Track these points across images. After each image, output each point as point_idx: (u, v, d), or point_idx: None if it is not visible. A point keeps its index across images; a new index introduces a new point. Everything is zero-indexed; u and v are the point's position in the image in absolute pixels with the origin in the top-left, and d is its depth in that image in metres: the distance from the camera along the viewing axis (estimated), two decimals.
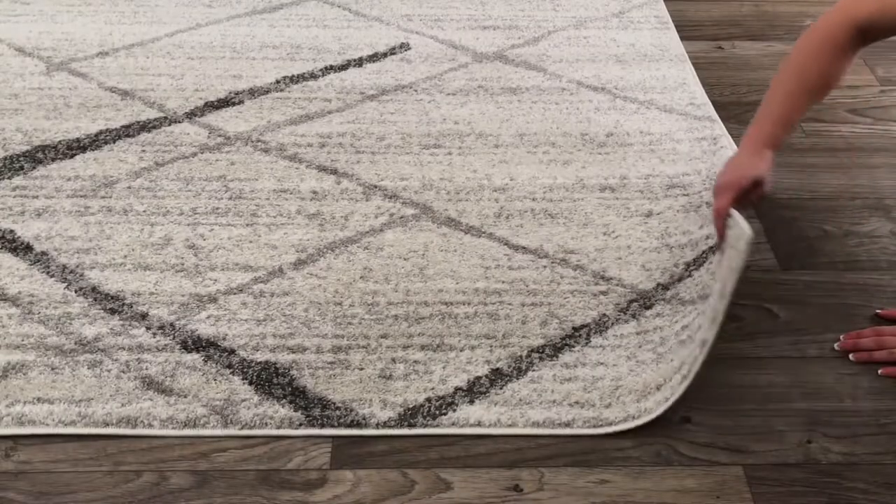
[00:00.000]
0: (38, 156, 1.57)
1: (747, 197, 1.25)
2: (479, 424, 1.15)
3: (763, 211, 1.49)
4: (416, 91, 1.78)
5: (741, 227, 1.13)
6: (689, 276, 1.34)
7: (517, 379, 1.20)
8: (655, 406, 1.15)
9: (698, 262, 1.37)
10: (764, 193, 1.27)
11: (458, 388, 1.19)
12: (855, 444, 1.13)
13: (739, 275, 1.09)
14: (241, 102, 1.73)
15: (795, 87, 1.27)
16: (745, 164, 1.26)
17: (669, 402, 1.14)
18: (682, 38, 1.97)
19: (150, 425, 1.14)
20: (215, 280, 1.34)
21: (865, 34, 1.24)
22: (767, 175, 1.26)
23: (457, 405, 1.17)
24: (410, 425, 1.14)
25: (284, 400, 1.17)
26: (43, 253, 1.38)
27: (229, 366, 1.21)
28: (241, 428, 1.14)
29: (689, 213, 1.47)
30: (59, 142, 1.61)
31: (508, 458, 1.11)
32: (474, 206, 1.49)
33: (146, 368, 1.21)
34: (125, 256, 1.38)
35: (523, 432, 1.14)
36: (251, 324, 1.27)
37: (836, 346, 1.26)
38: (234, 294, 1.32)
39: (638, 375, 1.20)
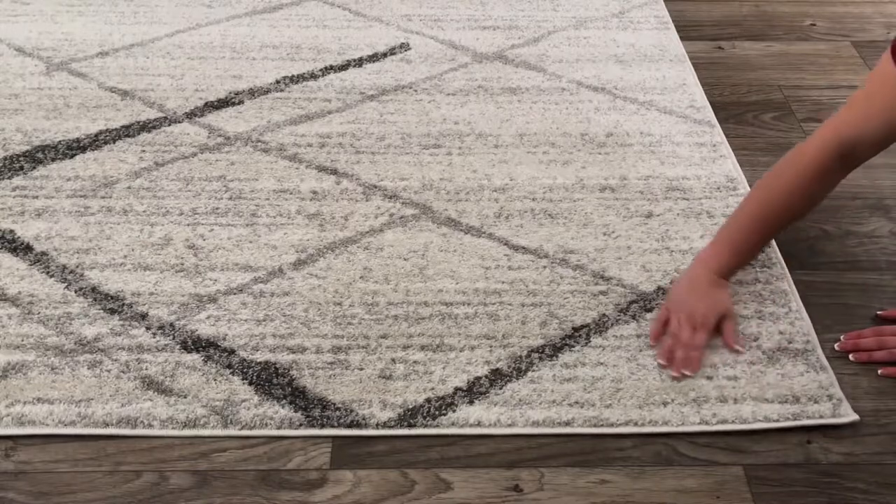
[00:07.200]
0: (38, 156, 1.57)
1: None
2: (478, 425, 1.14)
3: None
4: (416, 91, 1.78)
5: None
6: None
7: (517, 379, 1.20)
8: (661, 420, 1.15)
9: None
10: (734, 327, 1.25)
11: (457, 389, 1.19)
12: (855, 444, 1.13)
13: None
14: (241, 102, 1.73)
15: (766, 214, 1.26)
16: (712, 299, 1.25)
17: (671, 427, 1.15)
18: (682, 39, 1.97)
19: (150, 425, 1.14)
20: (215, 280, 1.34)
21: (850, 153, 1.22)
22: (732, 308, 1.27)
23: (456, 405, 1.17)
24: (410, 425, 1.14)
25: (284, 400, 1.17)
26: (43, 253, 1.38)
27: (229, 366, 1.21)
28: (241, 428, 1.14)
29: (688, 219, 1.47)
30: (59, 142, 1.61)
31: (508, 458, 1.11)
32: (474, 206, 1.49)
33: (146, 368, 1.20)
34: (125, 256, 1.38)
35: (523, 431, 1.14)
36: (251, 324, 1.27)
37: (836, 346, 1.26)
38: (234, 294, 1.32)
39: (640, 380, 1.20)
